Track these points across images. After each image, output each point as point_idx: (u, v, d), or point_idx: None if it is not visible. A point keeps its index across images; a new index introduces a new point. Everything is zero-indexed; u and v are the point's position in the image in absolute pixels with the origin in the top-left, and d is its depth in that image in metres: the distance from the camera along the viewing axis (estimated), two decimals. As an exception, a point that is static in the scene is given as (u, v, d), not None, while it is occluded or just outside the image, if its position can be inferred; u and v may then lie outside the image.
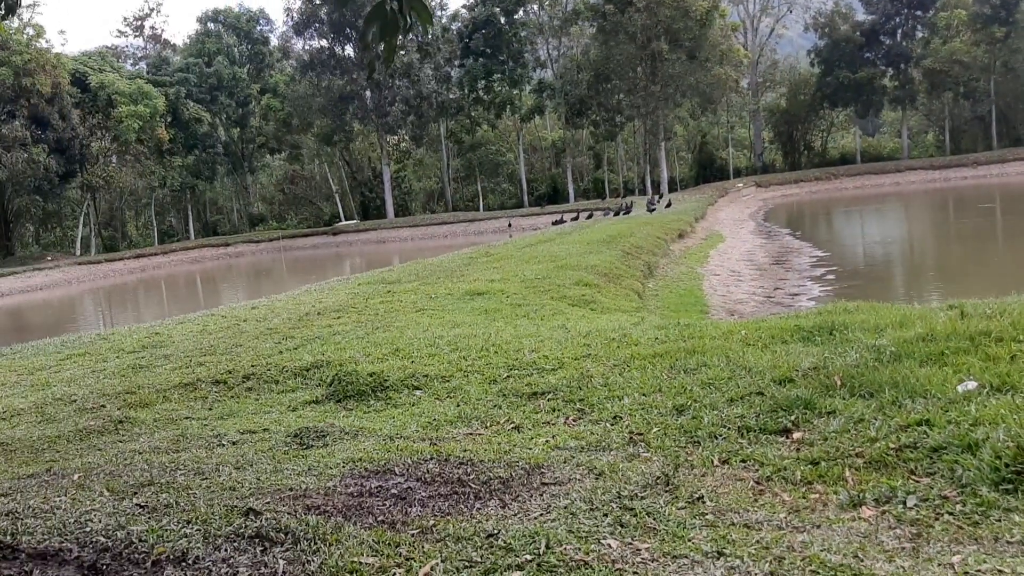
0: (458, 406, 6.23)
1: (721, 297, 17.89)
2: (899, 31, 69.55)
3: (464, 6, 70.33)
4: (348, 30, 66.50)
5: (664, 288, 18.74)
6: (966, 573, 3.02)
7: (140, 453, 5.74)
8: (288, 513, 3.93)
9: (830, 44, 69.61)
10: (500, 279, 14.85)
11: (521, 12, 69.02)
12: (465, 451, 4.91)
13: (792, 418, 4.79)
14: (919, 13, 69.06)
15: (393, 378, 7.11)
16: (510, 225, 56.05)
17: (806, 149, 74.56)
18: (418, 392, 6.84)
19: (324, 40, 68.92)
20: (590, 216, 41.21)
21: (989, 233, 31.47)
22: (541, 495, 4.08)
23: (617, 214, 39.77)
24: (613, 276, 16.63)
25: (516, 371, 6.92)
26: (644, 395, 5.71)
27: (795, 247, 28.82)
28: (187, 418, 6.92)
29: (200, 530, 3.82)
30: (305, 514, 3.91)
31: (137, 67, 75.81)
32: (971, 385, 4.79)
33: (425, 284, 15.00)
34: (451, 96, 69.05)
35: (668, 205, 42.55)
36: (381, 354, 8.06)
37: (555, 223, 41.32)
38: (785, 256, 26.17)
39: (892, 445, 4.18)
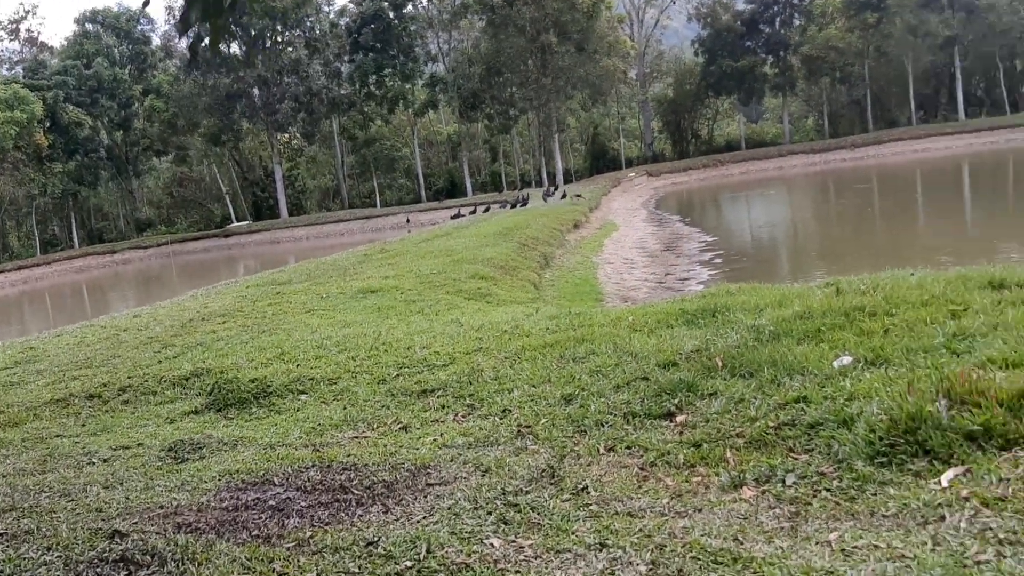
0: (344, 409, 6.06)
1: (615, 285, 18.11)
2: (777, 19, 71.88)
3: (351, 1, 69.30)
4: (234, 27, 64.62)
5: (560, 278, 18.85)
6: (843, 550, 3.04)
7: (3, 476, 5.39)
8: (157, 533, 3.72)
9: (712, 34, 71.43)
10: (394, 276, 14.63)
11: (410, 6, 68.45)
12: (349, 456, 4.76)
13: (676, 401, 4.82)
14: (796, 1, 71.54)
15: (277, 383, 6.87)
16: (408, 221, 55.58)
17: (694, 137, 76.41)
18: (303, 397, 6.63)
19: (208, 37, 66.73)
20: (487, 209, 41.20)
21: (866, 212, 32.85)
22: (425, 497, 3.98)
23: (514, 206, 39.88)
24: (509, 268, 16.61)
25: (406, 369, 6.79)
26: (534, 386, 5.67)
27: (685, 233, 29.46)
28: (58, 436, 6.53)
29: (61, 556, 3.59)
30: (175, 533, 3.70)
31: (13, 72, 71.90)
32: (846, 360, 4.91)
33: (316, 284, 14.66)
34: (342, 92, 67.91)
35: (563, 196, 42.92)
36: (265, 359, 7.79)
37: (453, 217, 41.16)
38: (675, 242, 26.72)
39: (771, 423, 4.24)
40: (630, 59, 67.43)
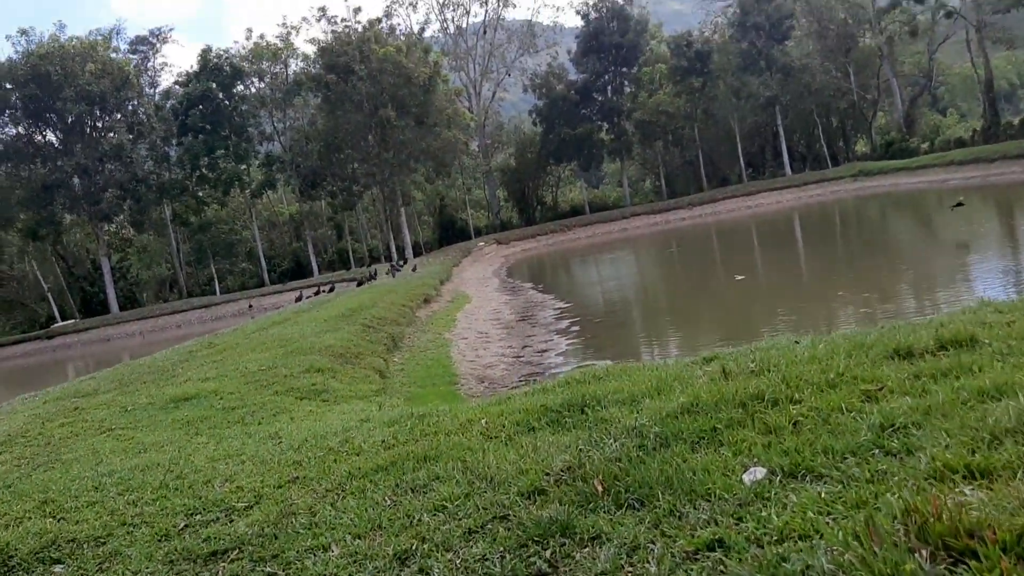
0: (105, 588, 4.46)
1: (470, 363, 16.87)
2: (609, 87, 74.19)
3: (177, 82, 66.59)
4: (48, 114, 60.66)
5: (410, 360, 17.45)
6: None
7: None
8: None
9: (548, 103, 72.88)
10: (216, 376, 12.84)
11: (240, 86, 66.37)
12: None
13: (548, 554, 3.54)
14: (625, 69, 74.13)
15: (24, 550, 5.15)
16: (251, 307, 52.90)
17: (539, 204, 77.22)
18: (58, 568, 4.95)
19: (20, 127, 62.40)
20: (332, 289, 39.40)
21: (709, 267, 33.26)
22: None
23: (361, 284, 38.27)
24: (351, 356, 15.08)
25: (198, 516, 5.22)
26: (359, 537, 4.26)
27: (539, 300, 28.72)
28: None
29: None
30: None
31: None
32: (759, 473, 3.79)
33: (125, 393, 12.66)
34: (172, 176, 64.69)
35: (414, 269, 41.67)
36: (20, 511, 6.01)
37: (296, 300, 39.07)
38: (530, 311, 25.86)
39: (683, 588, 3.03)
40: (471, 130, 67.74)
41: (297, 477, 5.62)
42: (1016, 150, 50.48)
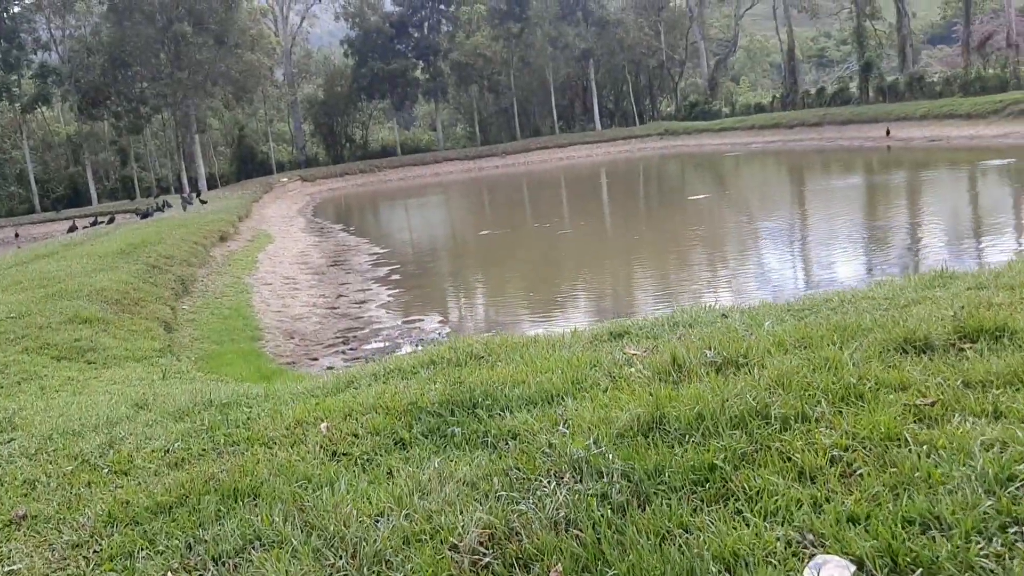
0: None
1: (276, 314, 14.67)
2: (426, 24, 71.37)
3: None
4: None
5: (204, 308, 14.98)
6: None
7: None
8: None
9: (362, 35, 69.14)
10: (-55, 325, 10.04)
11: (11, -17, 58.13)
12: None
13: None
14: (443, 7, 71.49)
15: None
16: (17, 236, 47.03)
17: (348, 142, 73.59)
18: None
19: None
20: (111, 220, 35.10)
21: (520, 215, 32.24)
22: None
23: (147, 216, 34.26)
24: (130, 302, 12.52)
25: None
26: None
27: (351, 244, 26.52)
28: None
29: None
30: None
31: None
32: (835, 570, 2.25)
33: None
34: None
35: (204, 203, 37.93)
36: None
37: (69, 231, 34.56)
38: (343, 255, 23.68)
39: None
40: (275, 55, 63.05)
41: (23, 515, 3.57)
42: (813, 118, 52.92)
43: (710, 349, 4.00)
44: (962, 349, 3.68)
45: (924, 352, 3.69)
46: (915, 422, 2.95)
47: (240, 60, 54.84)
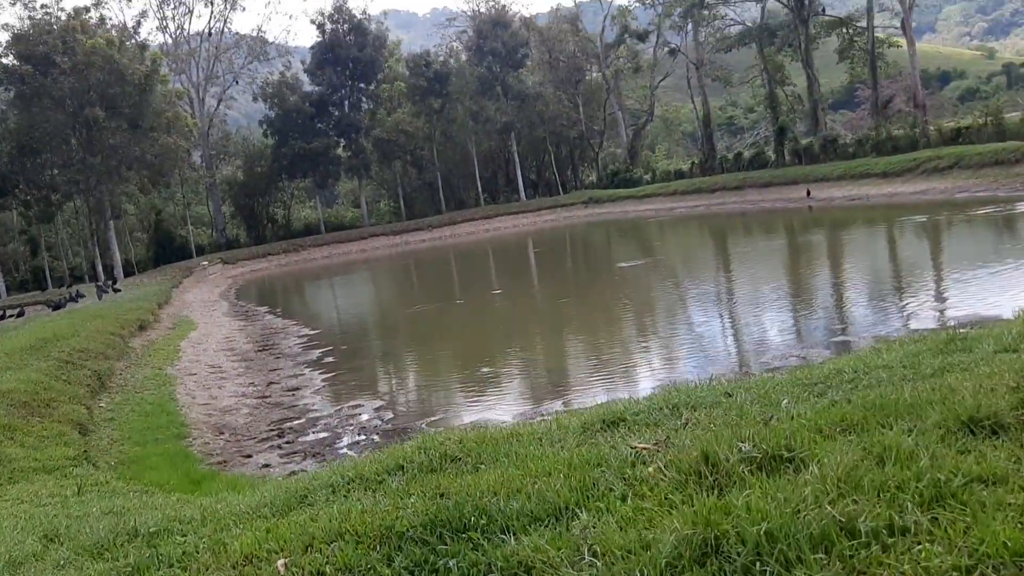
0: None
1: (203, 408, 13.61)
2: (346, 102, 71.22)
3: None
4: None
5: (124, 405, 13.83)
6: None
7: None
8: None
9: (281, 115, 68.54)
10: None
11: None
12: None
13: None
14: (363, 85, 71.57)
15: None
16: (-85, 334, 44.07)
17: (270, 222, 72.25)
18: None
19: None
20: (21, 314, 33.20)
21: (450, 288, 31.64)
22: None
23: (59, 307, 32.49)
24: (41, 403, 11.38)
25: None
26: None
27: (279, 327, 25.43)
28: None
29: None
30: None
31: None
32: None
33: None
34: None
35: (116, 291, 36.28)
36: None
37: (-26, 327, 32.48)
38: (271, 339, 22.61)
39: None
40: (193, 138, 61.87)
41: None
42: (734, 182, 54.04)
43: (744, 441, 3.38)
44: (1039, 426, 3.14)
45: (996, 433, 3.14)
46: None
47: (155, 144, 53.47)
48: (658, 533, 2.75)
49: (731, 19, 66.45)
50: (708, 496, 2.96)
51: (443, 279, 37.58)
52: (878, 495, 2.66)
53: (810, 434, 3.41)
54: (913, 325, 13.51)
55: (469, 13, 76.64)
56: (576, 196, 69.65)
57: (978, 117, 46.21)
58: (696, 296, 21.71)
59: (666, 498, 3.08)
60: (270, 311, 30.99)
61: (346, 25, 69.55)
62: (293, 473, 9.65)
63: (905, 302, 16.26)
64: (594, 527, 2.94)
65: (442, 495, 3.59)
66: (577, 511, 3.18)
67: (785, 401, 4.19)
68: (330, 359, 18.34)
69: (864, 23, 56.97)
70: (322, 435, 11.77)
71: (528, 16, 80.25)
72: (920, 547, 2.37)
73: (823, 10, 60.53)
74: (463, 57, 75.18)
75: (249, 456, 10.73)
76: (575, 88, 75.50)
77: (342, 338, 22.59)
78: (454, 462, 4.21)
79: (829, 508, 2.58)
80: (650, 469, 3.44)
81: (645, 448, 3.76)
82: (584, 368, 14.72)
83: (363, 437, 11.51)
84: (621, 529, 2.88)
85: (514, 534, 3.08)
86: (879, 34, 57.61)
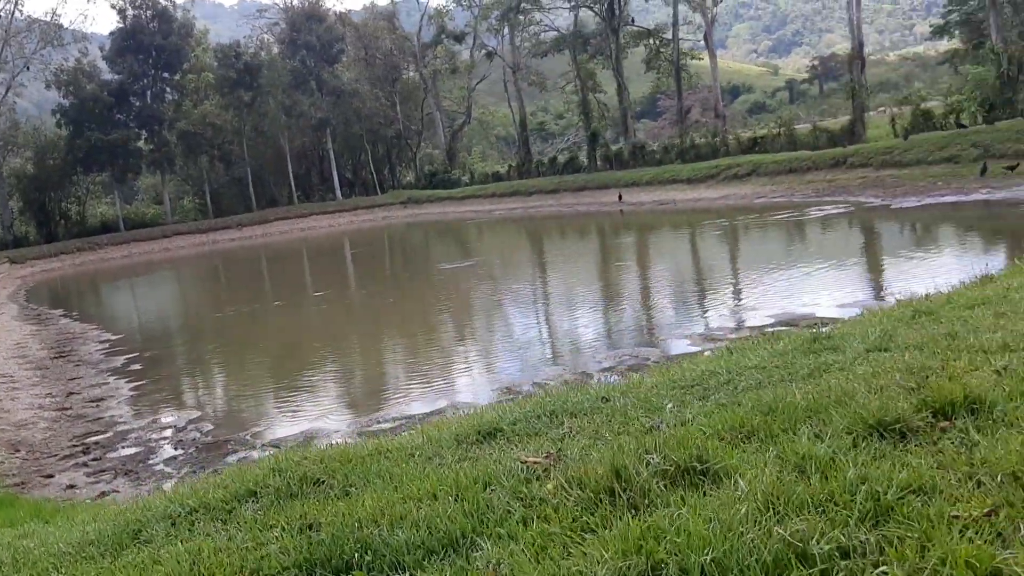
0: None
1: (-9, 424, 12.12)
2: (149, 92, 67.06)
3: None
4: None
5: None
6: None
7: None
8: None
9: (77, 104, 63.56)
10: None
11: None
12: None
13: None
14: (167, 75, 67.66)
15: None
16: None
17: (63, 219, 66.73)
18: None
19: None
20: None
21: (262, 290, 30.38)
22: None
23: None
24: None
25: None
26: None
27: (77, 332, 23.34)
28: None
29: None
30: None
31: None
32: None
33: None
34: None
35: None
36: None
37: None
38: (69, 345, 20.69)
39: None
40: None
41: None
42: (550, 185, 55.19)
43: (651, 453, 3.14)
44: (944, 430, 3.09)
45: (905, 437, 3.07)
46: (991, 542, 2.25)
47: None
48: (584, 564, 2.44)
49: (546, 25, 67.84)
50: (628, 518, 2.68)
51: (255, 281, 35.95)
52: (819, 512, 2.48)
53: (715, 442, 3.22)
54: (733, 323, 14.04)
55: (281, 5, 74.30)
56: (394, 196, 68.92)
57: (772, 128, 49.64)
58: (522, 298, 21.79)
59: (576, 520, 2.79)
60: (66, 314, 28.47)
61: (150, 11, 65.52)
62: (104, 494, 8.69)
63: (722, 301, 16.95)
64: (504, 561, 2.60)
65: (311, 527, 3.13)
66: (476, 540, 2.82)
67: (669, 405, 4.02)
68: (136, 366, 16.93)
69: (670, 35, 59.72)
70: (133, 450, 10.73)
71: (343, 11, 78.81)
72: (879, 570, 2.19)
73: (632, 21, 62.94)
74: (275, 50, 72.70)
75: (51, 476, 9.59)
76: (392, 86, 74.73)
77: (148, 343, 20.99)
78: (317, 485, 3.74)
79: (779, 530, 2.36)
80: (549, 487, 3.13)
81: (536, 462, 3.46)
82: (413, 373, 14.31)
83: (180, 452, 10.58)
84: (536, 561, 2.56)
85: (408, 572, 2.68)
86: (683, 47, 60.59)
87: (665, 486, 2.89)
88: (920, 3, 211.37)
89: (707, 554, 2.31)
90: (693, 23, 62.51)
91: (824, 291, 15.84)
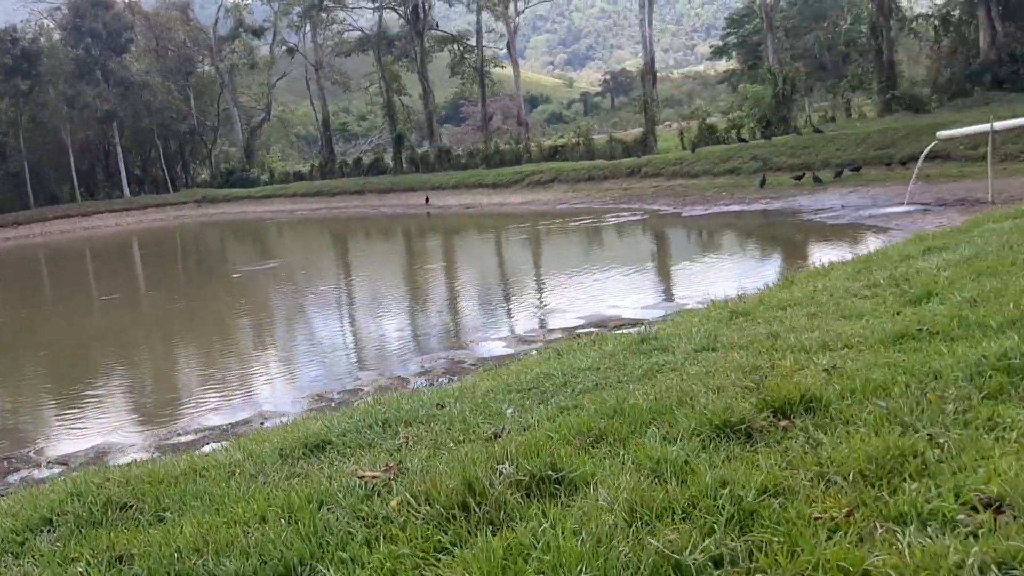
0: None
1: None
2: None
3: None
4: None
5: None
6: None
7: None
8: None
9: None
10: None
11: None
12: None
13: None
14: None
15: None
16: None
17: None
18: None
19: None
20: None
21: (40, 293, 27.94)
22: None
23: None
24: None
25: None
26: None
27: None
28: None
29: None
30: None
31: None
32: None
33: None
34: None
35: None
36: None
37: None
38: None
39: None
40: None
41: None
42: (355, 186, 54.30)
43: (503, 463, 2.97)
44: (786, 429, 3.13)
45: (751, 437, 3.08)
46: (856, 545, 2.25)
47: None
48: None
49: (349, 24, 66.68)
50: (487, 535, 2.50)
51: (34, 283, 32.93)
52: (685, 519, 2.41)
53: (566, 448, 3.10)
54: (544, 325, 14.24)
55: (64, -11, 68.71)
56: (188, 194, 65.38)
57: (572, 137, 51.33)
58: (328, 301, 21.18)
59: (427, 540, 2.58)
60: None
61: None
62: None
63: (532, 304, 17.19)
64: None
65: (122, 559, 2.74)
66: (316, 566, 2.55)
67: (510, 410, 3.89)
68: None
69: (474, 42, 60.41)
70: None
71: (132, -1, 73.89)
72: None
73: (436, 25, 63.12)
74: (56, 36, 67.12)
75: None
76: (186, 80, 70.90)
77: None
78: (124, 511, 3.30)
79: (652, 541, 2.26)
80: (393, 503, 2.90)
81: (375, 476, 3.21)
82: (212, 381, 13.47)
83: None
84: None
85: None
86: (486, 54, 61.46)
87: (521, 498, 2.74)
88: (701, 25, 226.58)
89: (580, 571, 2.18)
90: (496, 31, 63.59)
91: (627, 294, 16.40)
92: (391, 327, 16.53)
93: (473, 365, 11.21)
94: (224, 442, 7.37)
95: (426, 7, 58.93)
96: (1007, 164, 25.05)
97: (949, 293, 4.82)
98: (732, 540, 2.31)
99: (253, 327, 18.25)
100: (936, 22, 44.98)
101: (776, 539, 2.29)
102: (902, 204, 24.40)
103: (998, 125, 22.95)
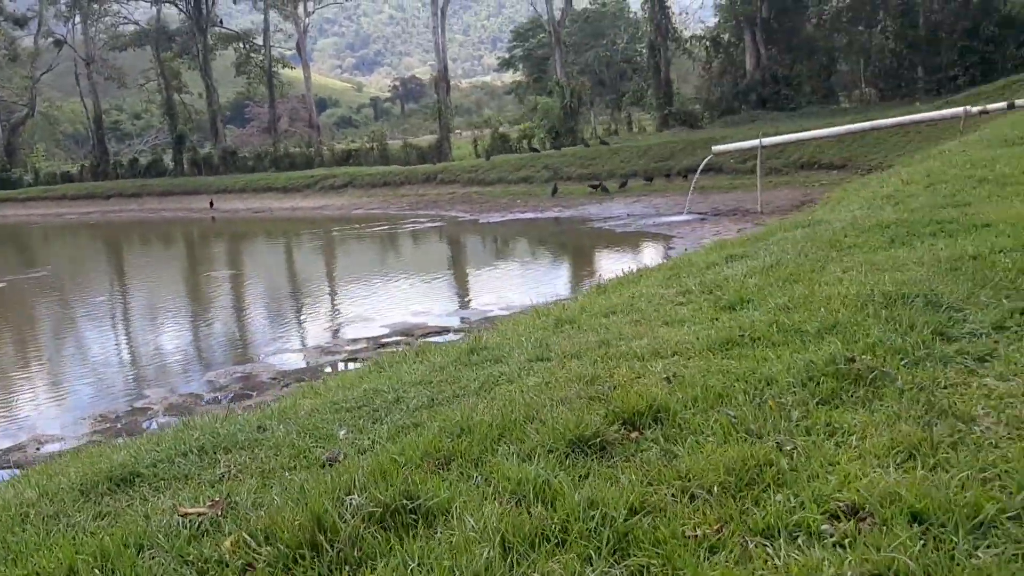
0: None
1: None
2: None
3: None
4: None
5: None
6: None
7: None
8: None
9: None
10: None
11: None
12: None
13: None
14: None
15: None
16: None
17: None
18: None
19: None
20: None
21: None
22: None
23: None
24: None
25: None
26: None
27: None
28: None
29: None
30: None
31: None
32: None
33: None
34: None
35: None
36: None
37: None
38: None
39: None
40: None
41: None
42: (132, 188, 50.83)
43: (352, 493, 2.71)
44: (637, 441, 3.09)
45: (604, 450, 3.01)
46: (736, 564, 2.20)
47: None
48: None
49: (124, 17, 62.37)
50: (344, 577, 2.25)
51: None
52: (562, 548, 2.27)
53: (417, 473, 2.89)
54: (347, 335, 13.81)
55: None
56: (-64, 196, 58.64)
57: (366, 142, 50.71)
58: (104, 313, 19.55)
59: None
60: None
61: None
62: None
63: (333, 313, 16.67)
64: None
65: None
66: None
67: (343, 432, 3.61)
68: None
69: (261, 41, 58.31)
70: None
71: None
72: None
73: (221, 22, 60.40)
74: None
75: None
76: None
77: None
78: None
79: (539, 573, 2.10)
80: (227, 544, 2.57)
81: (201, 513, 2.85)
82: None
83: None
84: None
85: None
86: (274, 54, 59.50)
87: (377, 532, 2.50)
88: (488, 37, 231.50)
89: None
90: (284, 32, 61.71)
91: (430, 301, 16.28)
92: (178, 340, 15.46)
93: (273, 379, 10.67)
94: (2, 472, 6.51)
95: (209, 3, 56.21)
96: (771, 177, 27.27)
97: (761, 299, 5.02)
98: (613, 567, 2.20)
99: (17, 342, 16.51)
100: (708, 43, 48.26)
101: (655, 562, 2.21)
102: (682, 213, 25.95)
103: (766, 141, 24.92)
